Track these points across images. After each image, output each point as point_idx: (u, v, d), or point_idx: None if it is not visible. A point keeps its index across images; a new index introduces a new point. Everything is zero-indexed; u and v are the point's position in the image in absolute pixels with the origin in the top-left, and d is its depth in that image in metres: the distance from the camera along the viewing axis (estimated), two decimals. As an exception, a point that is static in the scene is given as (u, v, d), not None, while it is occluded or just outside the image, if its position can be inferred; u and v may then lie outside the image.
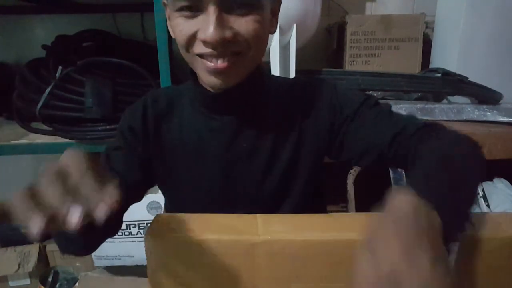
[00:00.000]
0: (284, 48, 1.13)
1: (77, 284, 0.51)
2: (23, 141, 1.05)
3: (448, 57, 1.34)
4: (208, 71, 0.47)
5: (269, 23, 0.50)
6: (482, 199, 0.91)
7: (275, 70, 1.09)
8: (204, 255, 0.38)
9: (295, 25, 1.08)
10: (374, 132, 0.53)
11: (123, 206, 0.51)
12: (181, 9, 0.44)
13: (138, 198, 0.60)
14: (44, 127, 1.07)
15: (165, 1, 0.49)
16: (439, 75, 1.23)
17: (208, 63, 0.46)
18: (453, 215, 0.33)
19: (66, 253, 0.53)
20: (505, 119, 1.15)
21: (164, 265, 0.39)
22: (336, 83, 0.59)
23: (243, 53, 0.47)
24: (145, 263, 0.39)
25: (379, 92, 1.31)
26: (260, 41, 0.48)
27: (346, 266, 0.37)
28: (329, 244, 0.38)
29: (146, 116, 0.58)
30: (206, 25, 0.43)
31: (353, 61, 1.39)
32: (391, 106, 0.58)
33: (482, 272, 0.38)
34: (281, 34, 1.06)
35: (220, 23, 0.43)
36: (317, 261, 0.38)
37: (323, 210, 0.69)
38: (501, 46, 1.25)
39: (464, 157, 0.44)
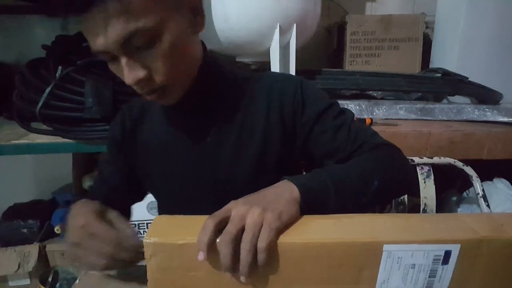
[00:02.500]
0: (284, 48, 1.13)
1: (77, 281, 0.51)
2: (23, 141, 1.05)
3: (448, 57, 1.34)
4: (152, 99, 0.51)
5: (188, 29, 0.49)
6: (482, 199, 0.91)
7: (275, 70, 1.09)
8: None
9: (295, 25, 1.08)
10: (334, 143, 0.55)
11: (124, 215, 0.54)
12: (107, 60, 0.48)
13: (138, 200, 0.69)
14: (44, 127, 1.07)
15: None
16: (439, 75, 1.23)
17: (146, 97, 0.50)
18: (315, 190, 0.44)
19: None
20: (505, 119, 1.15)
21: (164, 268, 0.39)
22: (304, 79, 0.60)
23: (164, 86, 0.49)
24: (145, 262, 0.39)
25: (379, 92, 1.31)
26: (176, 67, 0.49)
27: (346, 268, 0.38)
28: (329, 246, 0.38)
29: (124, 124, 0.63)
30: (122, 72, 0.46)
31: (353, 61, 1.39)
32: (354, 116, 0.60)
33: (483, 274, 0.38)
34: (281, 34, 1.06)
35: (131, 68, 0.46)
36: (317, 263, 0.38)
37: None
38: (501, 46, 1.25)
39: (373, 169, 0.50)
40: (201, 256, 0.36)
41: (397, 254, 0.37)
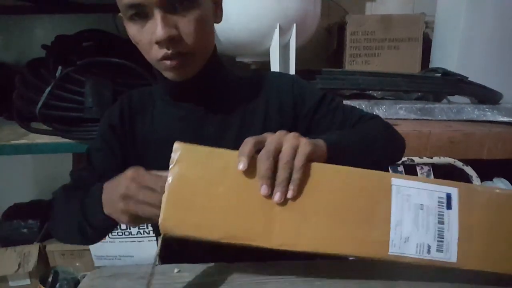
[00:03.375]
0: (284, 48, 1.13)
1: (81, 284, 0.51)
2: (23, 141, 1.05)
3: (448, 57, 1.33)
4: (165, 69, 0.52)
5: (213, 15, 0.54)
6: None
7: (275, 70, 1.09)
8: (229, 169, 0.40)
9: (295, 25, 1.08)
10: (334, 124, 0.61)
11: None
12: (131, 18, 0.49)
13: None
14: (44, 127, 1.07)
15: (121, 14, 0.53)
16: (439, 75, 1.23)
17: (165, 62, 0.50)
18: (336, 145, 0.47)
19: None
20: (505, 119, 1.15)
21: (187, 178, 0.39)
22: (295, 76, 0.65)
23: (190, 53, 0.51)
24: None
25: (379, 92, 1.31)
26: (203, 38, 0.52)
27: (363, 200, 0.41)
28: (352, 174, 0.41)
29: (123, 114, 0.62)
30: (155, 28, 0.47)
31: (353, 61, 1.39)
32: (342, 100, 0.68)
33: (485, 226, 0.43)
34: (281, 34, 1.06)
35: (166, 23, 0.47)
36: (340, 190, 0.41)
37: None
38: (501, 46, 1.24)
39: (375, 131, 0.58)
40: (242, 165, 0.38)
41: (405, 190, 0.41)
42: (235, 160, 0.40)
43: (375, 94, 1.32)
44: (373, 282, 0.46)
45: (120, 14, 0.52)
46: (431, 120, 1.18)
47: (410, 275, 0.48)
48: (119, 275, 0.50)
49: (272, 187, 0.39)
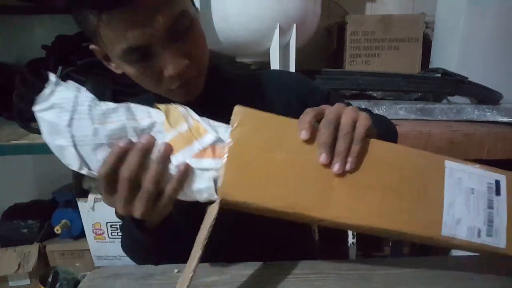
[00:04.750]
0: (284, 48, 1.13)
1: (81, 284, 0.50)
2: (23, 141, 1.05)
3: (448, 57, 1.33)
4: (176, 95, 0.51)
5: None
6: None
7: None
8: (288, 137, 0.40)
9: (295, 25, 1.08)
10: None
11: None
12: (134, 62, 0.46)
13: None
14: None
15: (98, 48, 0.50)
16: (439, 75, 1.23)
17: (179, 91, 0.50)
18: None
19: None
20: (505, 119, 1.15)
21: (247, 142, 0.39)
22: (298, 73, 0.66)
23: (200, 74, 0.51)
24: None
25: (379, 92, 1.31)
26: (206, 55, 0.51)
27: (418, 179, 0.41)
28: (406, 153, 0.42)
29: None
30: (165, 63, 0.45)
31: (353, 61, 1.39)
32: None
33: None
34: (281, 34, 1.06)
35: (176, 56, 0.45)
36: (396, 167, 0.41)
37: None
38: (501, 46, 1.24)
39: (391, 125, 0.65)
40: (304, 133, 0.39)
41: (457, 174, 0.42)
42: (295, 128, 0.40)
43: (375, 94, 1.32)
44: (373, 282, 0.46)
45: (95, 47, 0.50)
46: (431, 120, 1.18)
47: (410, 275, 0.48)
48: (119, 275, 0.50)
49: (331, 156, 0.39)
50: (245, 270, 0.49)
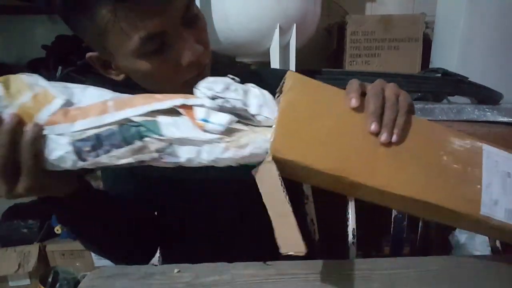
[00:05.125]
0: (284, 48, 1.13)
1: (81, 284, 0.50)
2: (23, 141, 1.05)
3: (448, 57, 1.33)
4: (189, 87, 0.49)
5: None
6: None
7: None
8: (336, 105, 0.41)
9: (295, 25, 1.08)
10: None
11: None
12: (148, 55, 0.45)
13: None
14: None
15: (96, 55, 0.51)
16: (439, 75, 1.23)
17: (192, 80, 0.49)
18: None
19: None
20: (505, 119, 1.15)
21: (296, 107, 0.40)
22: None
23: (208, 63, 0.51)
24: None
25: (379, 92, 1.31)
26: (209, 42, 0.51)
27: (458, 160, 0.43)
28: (446, 133, 0.44)
29: None
30: (182, 50, 0.46)
31: (353, 61, 1.39)
32: None
33: None
34: (281, 34, 1.06)
35: (191, 42, 0.46)
36: (435, 146, 0.42)
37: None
38: (501, 46, 1.24)
39: None
40: (354, 101, 0.40)
41: (494, 157, 0.44)
42: (341, 97, 0.42)
43: (375, 94, 1.32)
44: (373, 282, 0.46)
45: (93, 55, 0.50)
46: (431, 120, 1.18)
47: (410, 275, 0.48)
48: (119, 275, 0.50)
49: (380, 126, 0.40)
50: (245, 270, 0.49)
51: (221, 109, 0.39)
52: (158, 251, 0.71)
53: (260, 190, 0.39)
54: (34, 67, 1.13)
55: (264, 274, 0.49)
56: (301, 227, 0.34)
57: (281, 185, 0.36)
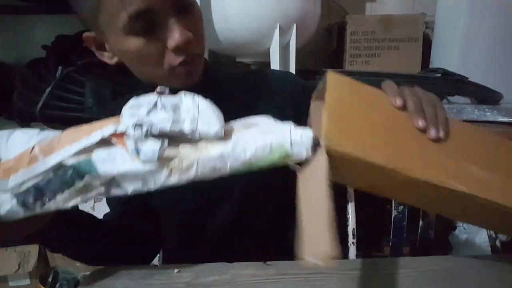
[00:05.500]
0: (284, 48, 1.13)
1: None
2: (23, 141, 1.05)
3: (448, 57, 1.33)
4: (178, 76, 0.50)
5: None
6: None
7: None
8: (378, 104, 0.42)
9: (295, 25, 1.08)
10: None
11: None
12: (138, 33, 0.45)
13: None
14: (44, 127, 1.07)
15: (92, 35, 0.50)
16: (439, 75, 1.23)
17: (181, 69, 0.49)
18: None
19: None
20: (505, 119, 1.15)
21: (344, 100, 0.40)
22: (293, 74, 0.67)
23: (201, 54, 0.51)
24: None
25: (379, 92, 1.31)
26: (204, 37, 0.51)
27: (505, 161, 0.43)
28: (483, 135, 0.45)
29: None
30: (170, 33, 0.45)
31: (353, 61, 1.39)
32: None
33: None
34: (281, 34, 1.06)
35: (183, 25, 0.46)
36: (481, 146, 0.43)
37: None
38: (501, 46, 1.24)
39: None
40: (399, 100, 0.41)
41: None
42: (380, 95, 0.43)
43: (375, 94, 1.32)
44: (373, 282, 0.46)
45: (89, 35, 0.50)
46: (431, 120, 1.18)
47: (410, 275, 0.48)
48: (119, 275, 0.50)
49: (426, 121, 0.40)
50: (245, 270, 0.49)
51: (150, 134, 0.36)
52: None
53: (299, 188, 0.36)
54: (34, 67, 1.13)
55: (264, 274, 0.49)
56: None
57: (327, 183, 0.33)
